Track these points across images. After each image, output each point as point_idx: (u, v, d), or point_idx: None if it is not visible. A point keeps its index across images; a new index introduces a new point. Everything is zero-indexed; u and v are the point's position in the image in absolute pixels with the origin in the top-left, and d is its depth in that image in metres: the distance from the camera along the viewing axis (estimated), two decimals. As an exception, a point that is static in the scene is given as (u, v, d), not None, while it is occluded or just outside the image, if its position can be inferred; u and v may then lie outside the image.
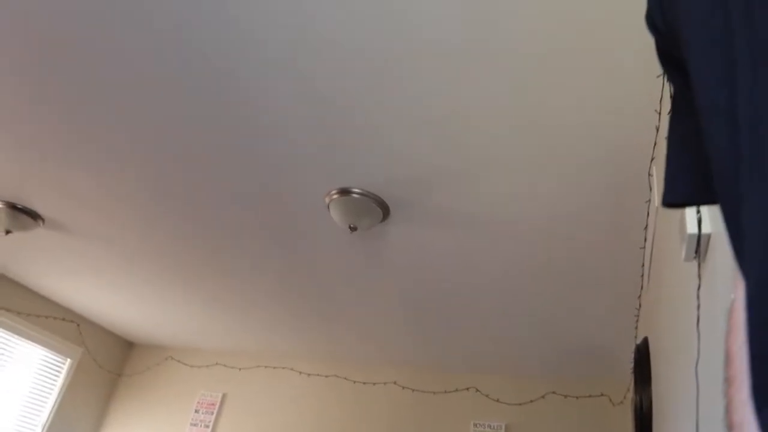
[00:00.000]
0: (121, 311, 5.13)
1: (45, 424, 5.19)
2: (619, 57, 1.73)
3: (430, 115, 2.13)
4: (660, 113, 1.80)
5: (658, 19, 0.49)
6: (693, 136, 0.47)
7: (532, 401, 4.60)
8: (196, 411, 5.46)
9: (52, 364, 5.28)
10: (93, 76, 2.28)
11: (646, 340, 2.64)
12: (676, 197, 0.49)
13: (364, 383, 5.13)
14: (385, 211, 2.84)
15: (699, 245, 1.06)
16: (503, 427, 4.54)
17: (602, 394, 4.44)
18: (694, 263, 1.15)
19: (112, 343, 5.92)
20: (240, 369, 5.59)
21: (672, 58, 0.50)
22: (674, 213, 1.43)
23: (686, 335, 1.21)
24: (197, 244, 3.53)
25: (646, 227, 2.45)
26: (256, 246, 3.42)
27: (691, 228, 1.05)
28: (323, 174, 2.64)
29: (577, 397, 4.49)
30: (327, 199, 2.84)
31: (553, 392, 4.57)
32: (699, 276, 1.10)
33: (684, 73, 0.47)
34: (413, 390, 4.96)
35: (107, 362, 5.84)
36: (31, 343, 5.10)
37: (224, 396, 5.48)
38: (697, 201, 0.49)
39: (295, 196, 2.86)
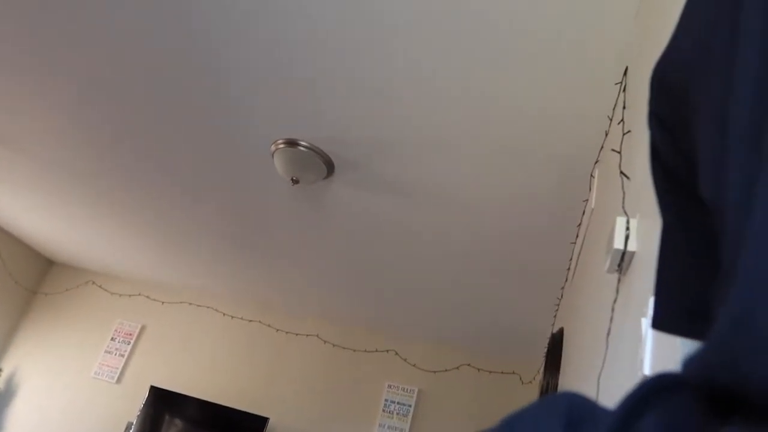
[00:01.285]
0: (43, 227, 4.92)
1: (-52, 333, 4.99)
2: (578, 63, 1.73)
3: (390, 83, 2.09)
4: (611, 119, 1.82)
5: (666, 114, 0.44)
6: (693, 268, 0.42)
7: (446, 370, 4.75)
8: (113, 339, 5.36)
9: (-38, 272, 5.04)
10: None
11: (561, 330, 2.75)
12: (670, 327, 0.44)
13: (287, 333, 5.16)
14: (330, 168, 2.79)
15: (622, 261, 1.09)
16: (416, 391, 4.69)
17: (514, 372, 4.63)
18: (615, 276, 1.18)
19: (31, 258, 5.69)
20: (162, 303, 5.50)
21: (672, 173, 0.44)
22: (606, 222, 1.46)
23: (596, 342, 1.25)
24: (133, 169, 3.39)
25: (579, 224, 2.52)
26: (195, 182, 3.32)
27: (618, 244, 1.07)
28: (273, 121, 2.57)
29: (489, 372, 4.67)
30: (273, 148, 2.77)
31: (468, 364, 4.73)
32: (617, 290, 1.13)
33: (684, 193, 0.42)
34: (334, 345, 5.03)
35: (23, 278, 5.63)
36: (-58, 248, 4.84)
37: (143, 327, 5.40)
38: (689, 334, 0.44)
39: (243, 139, 2.77)
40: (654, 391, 0.32)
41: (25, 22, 2.36)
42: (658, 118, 0.46)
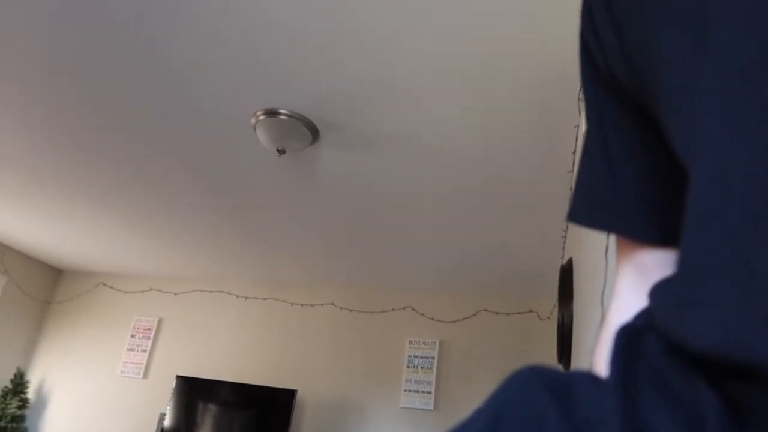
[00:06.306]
0: (46, 238, 4.91)
1: (-29, 354, 5.04)
2: (550, -27, 1.65)
3: (359, 36, 2.02)
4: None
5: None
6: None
7: (464, 318, 4.76)
8: (132, 336, 5.40)
9: (-27, 293, 5.06)
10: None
11: (570, 261, 2.73)
12: (583, 221, 0.45)
13: (302, 305, 5.18)
14: (314, 133, 2.73)
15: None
16: (437, 343, 4.72)
17: (530, 311, 4.64)
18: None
19: (39, 270, 5.71)
20: (175, 294, 5.52)
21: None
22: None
23: (597, 263, 1.22)
24: (122, 167, 3.35)
25: (574, 152, 2.46)
26: (184, 170, 3.27)
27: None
28: (249, 94, 2.50)
29: (507, 314, 4.68)
30: (253, 120, 2.71)
31: (485, 310, 4.74)
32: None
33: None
34: (350, 310, 5.05)
35: (34, 290, 5.65)
36: (-52, 272, 4.85)
37: (160, 320, 5.43)
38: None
39: (221, 117, 2.71)
40: (632, 350, 0.33)
41: (-23, 28, 2.28)
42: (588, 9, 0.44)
